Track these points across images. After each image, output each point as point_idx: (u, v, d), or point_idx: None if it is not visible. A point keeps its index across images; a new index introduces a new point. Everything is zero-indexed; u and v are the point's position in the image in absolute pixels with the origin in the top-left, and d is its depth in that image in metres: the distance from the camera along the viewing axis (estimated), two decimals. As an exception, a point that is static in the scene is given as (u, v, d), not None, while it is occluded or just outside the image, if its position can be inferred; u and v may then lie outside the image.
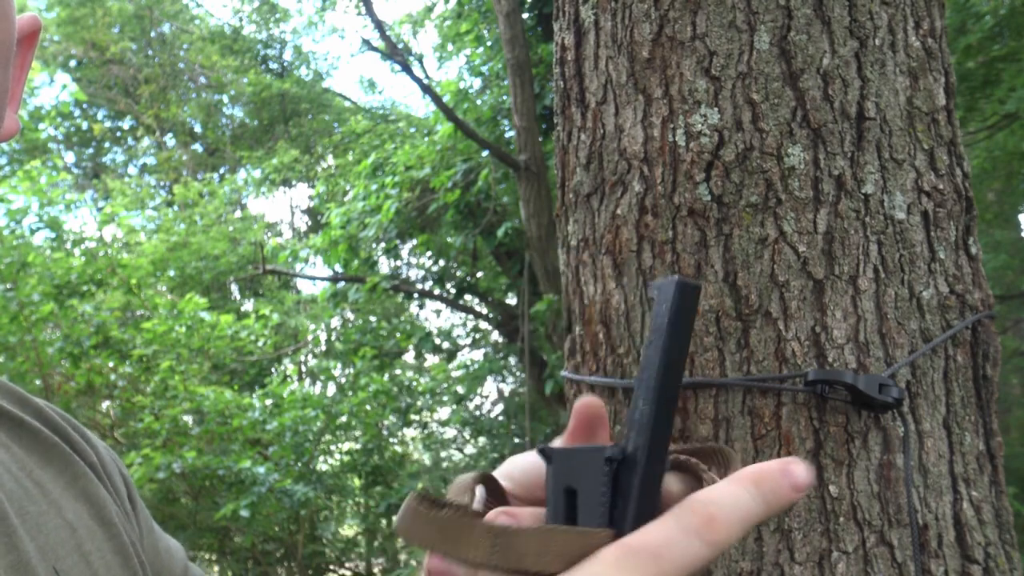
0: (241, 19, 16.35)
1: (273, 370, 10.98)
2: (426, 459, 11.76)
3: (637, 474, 0.41)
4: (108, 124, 15.74)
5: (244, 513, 7.19)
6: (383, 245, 9.13)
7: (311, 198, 14.81)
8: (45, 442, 0.65)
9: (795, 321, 1.12)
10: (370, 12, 7.94)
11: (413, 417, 10.13)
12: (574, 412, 0.52)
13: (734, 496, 0.39)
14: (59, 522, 0.59)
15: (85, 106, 15.01)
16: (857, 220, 1.14)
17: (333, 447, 9.34)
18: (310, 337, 11.90)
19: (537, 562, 0.40)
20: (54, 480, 0.63)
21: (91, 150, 16.17)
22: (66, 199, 8.50)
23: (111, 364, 7.76)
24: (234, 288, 13.14)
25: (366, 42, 9.72)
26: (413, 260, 10.56)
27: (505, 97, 8.04)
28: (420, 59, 12.44)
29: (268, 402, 8.39)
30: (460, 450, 11.83)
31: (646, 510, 0.41)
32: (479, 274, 10.22)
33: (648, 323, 0.41)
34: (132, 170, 15.92)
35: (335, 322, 12.04)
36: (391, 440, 9.91)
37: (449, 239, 9.19)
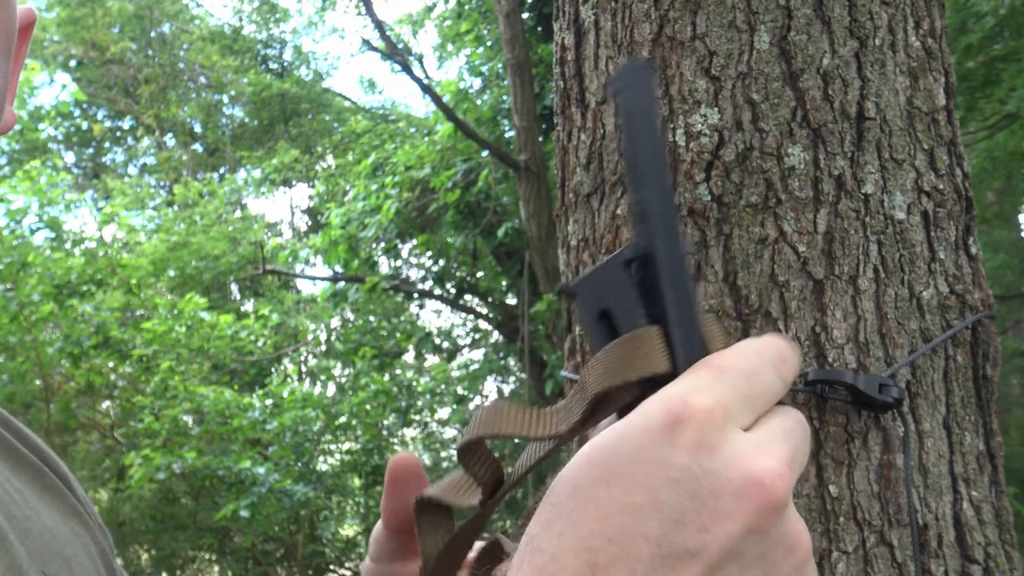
0: (241, 19, 16.35)
1: (273, 370, 10.98)
2: (426, 459, 11.76)
3: (662, 262, 0.39)
4: (108, 124, 15.73)
5: (244, 513, 7.20)
6: (383, 245, 9.13)
7: (311, 198, 14.81)
8: (16, 451, 0.64)
9: (795, 321, 1.12)
10: (370, 12, 7.94)
11: (413, 417, 10.13)
12: (388, 469, 0.51)
13: (786, 346, 0.41)
14: (41, 527, 0.58)
15: (85, 106, 15.01)
16: (857, 220, 1.14)
17: (333, 447, 9.35)
18: (310, 337, 11.90)
19: (603, 382, 0.39)
20: (28, 487, 0.62)
21: (91, 150, 16.17)
22: (66, 199, 8.50)
23: (111, 364, 7.76)
24: (234, 288, 13.13)
25: (366, 42, 9.73)
26: (413, 260, 10.56)
27: (505, 97, 8.03)
28: (420, 59, 12.44)
29: (268, 402, 8.40)
30: (460, 450, 11.80)
31: (684, 297, 0.39)
32: (479, 274, 10.22)
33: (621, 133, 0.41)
34: (132, 170, 15.92)
35: (335, 322, 12.04)
36: (391, 440, 9.91)
37: (449, 239, 9.18)
